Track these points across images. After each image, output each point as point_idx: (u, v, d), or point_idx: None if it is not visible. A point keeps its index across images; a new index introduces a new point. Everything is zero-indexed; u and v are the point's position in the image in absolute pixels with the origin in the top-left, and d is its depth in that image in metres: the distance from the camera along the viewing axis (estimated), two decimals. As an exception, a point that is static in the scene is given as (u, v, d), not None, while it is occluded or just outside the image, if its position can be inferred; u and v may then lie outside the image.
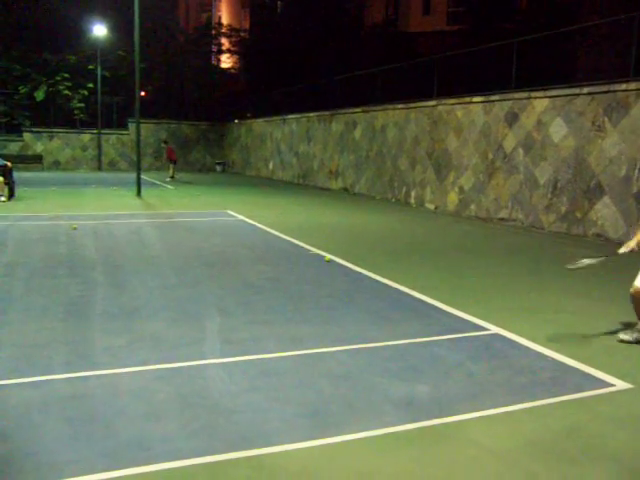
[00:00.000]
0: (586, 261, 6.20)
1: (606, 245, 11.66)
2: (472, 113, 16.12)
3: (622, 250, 5.78)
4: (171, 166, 28.55)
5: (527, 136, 14.21)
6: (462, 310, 6.60)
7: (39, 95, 34.24)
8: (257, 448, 3.49)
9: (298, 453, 3.47)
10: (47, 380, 4.43)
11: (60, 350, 5.07)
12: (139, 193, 19.48)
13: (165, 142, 31.01)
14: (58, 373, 4.56)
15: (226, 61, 47.19)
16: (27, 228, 12.09)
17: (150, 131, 36.65)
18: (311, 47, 34.24)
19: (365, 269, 8.66)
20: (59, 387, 4.33)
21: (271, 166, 31.37)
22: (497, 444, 3.63)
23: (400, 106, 19.48)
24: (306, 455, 3.45)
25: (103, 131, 35.55)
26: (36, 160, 33.86)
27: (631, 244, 5.76)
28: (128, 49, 28.57)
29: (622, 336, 5.77)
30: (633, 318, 5.98)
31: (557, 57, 17.27)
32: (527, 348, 5.41)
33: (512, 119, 14.70)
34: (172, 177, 28.04)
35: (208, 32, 47.02)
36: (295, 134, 28.19)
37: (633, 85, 11.67)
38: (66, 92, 34.76)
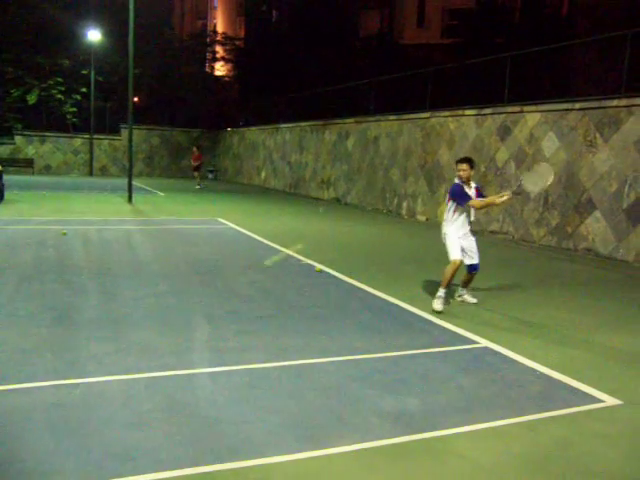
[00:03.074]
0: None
1: (595, 260, 11.71)
2: (464, 126, 16.19)
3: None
4: (195, 173, 28.40)
5: (519, 150, 14.28)
6: (452, 323, 6.58)
7: (31, 99, 34.10)
8: (243, 460, 3.44)
9: (285, 465, 3.43)
10: (32, 387, 4.37)
11: (46, 357, 5.00)
12: (130, 199, 19.41)
13: (198, 147, 29.23)
14: (44, 380, 4.50)
15: (220, 69, 47.26)
16: (16, 232, 11.99)
17: (142, 137, 36.57)
18: (305, 57, 34.36)
19: (356, 280, 8.64)
20: (44, 394, 4.26)
21: (263, 175, 31.36)
22: (486, 459, 3.61)
23: (393, 117, 19.55)
24: (293, 467, 3.41)
25: (95, 136, 35.43)
26: (27, 164, 33.66)
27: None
28: (122, 55, 28.52)
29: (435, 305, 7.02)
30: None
31: (550, 72, 17.40)
32: (516, 362, 5.40)
33: (504, 133, 14.77)
34: (199, 185, 27.69)
35: (203, 39, 47.12)
36: (288, 143, 28.20)
37: (624, 101, 11.76)
38: (59, 96, 34.63)
